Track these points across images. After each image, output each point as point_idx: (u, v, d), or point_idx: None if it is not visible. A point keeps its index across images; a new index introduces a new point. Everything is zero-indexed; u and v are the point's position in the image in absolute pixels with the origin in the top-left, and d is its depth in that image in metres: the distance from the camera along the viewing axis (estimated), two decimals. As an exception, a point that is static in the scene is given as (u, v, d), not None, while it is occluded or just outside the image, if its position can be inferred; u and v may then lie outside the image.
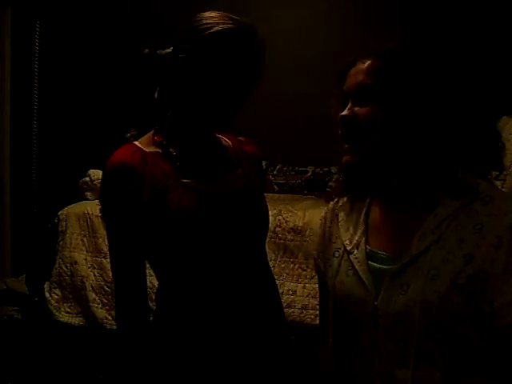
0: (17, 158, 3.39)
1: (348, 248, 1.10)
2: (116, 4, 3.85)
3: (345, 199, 1.19)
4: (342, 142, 1.05)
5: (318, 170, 3.41)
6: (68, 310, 2.47)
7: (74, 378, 2.31)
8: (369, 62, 1.03)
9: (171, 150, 1.10)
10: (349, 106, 1.03)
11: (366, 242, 1.08)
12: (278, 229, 2.33)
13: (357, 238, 1.10)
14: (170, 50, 1.09)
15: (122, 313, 1.07)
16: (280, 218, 2.36)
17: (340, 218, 1.17)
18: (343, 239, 1.13)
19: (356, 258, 1.08)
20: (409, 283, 0.98)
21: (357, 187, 1.13)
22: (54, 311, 2.46)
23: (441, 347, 0.96)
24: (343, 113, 1.02)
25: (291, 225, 2.33)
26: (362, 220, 1.12)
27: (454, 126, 1.00)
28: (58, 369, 2.36)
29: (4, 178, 3.33)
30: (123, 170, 1.03)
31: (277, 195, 3.18)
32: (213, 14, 1.05)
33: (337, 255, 1.13)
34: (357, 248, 1.09)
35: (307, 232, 2.31)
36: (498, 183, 2.15)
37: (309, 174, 3.44)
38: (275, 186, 3.45)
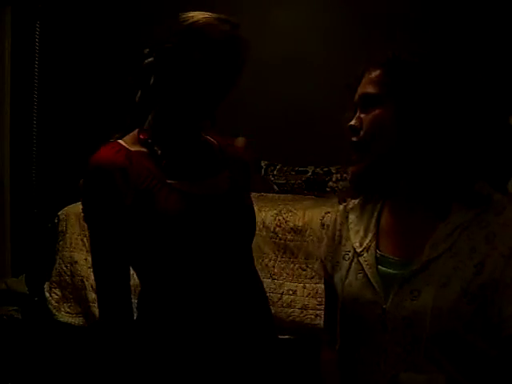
0: (17, 158, 3.39)
1: (358, 250, 1.10)
2: (116, 4, 3.85)
3: (356, 202, 1.18)
4: (351, 152, 1.06)
5: (318, 170, 3.41)
6: (68, 310, 2.47)
7: (74, 377, 2.31)
8: (374, 72, 1.03)
9: (156, 148, 1.07)
10: (356, 115, 1.04)
11: (377, 246, 1.09)
12: (277, 229, 2.33)
13: (367, 241, 1.10)
14: (148, 50, 1.07)
15: (106, 317, 1.05)
16: (280, 218, 2.36)
17: (350, 221, 1.17)
18: (353, 242, 1.13)
19: (366, 261, 1.08)
20: (420, 290, 0.99)
21: (367, 191, 1.14)
22: (54, 311, 2.46)
23: (448, 353, 0.97)
24: (351, 122, 1.03)
25: (291, 225, 2.33)
26: (373, 223, 1.12)
27: (463, 133, 1.00)
28: (58, 369, 2.36)
29: (4, 178, 3.33)
30: (107, 168, 1.00)
31: (277, 195, 3.18)
32: (197, 12, 1.05)
33: (346, 258, 1.13)
34: (367, 251, 1.09)
35: (307, 232, 2.31)
36: None
37: (309, 173, 3.44)
38: (275, 186, 3.45)
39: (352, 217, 1.17)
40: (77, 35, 3.76)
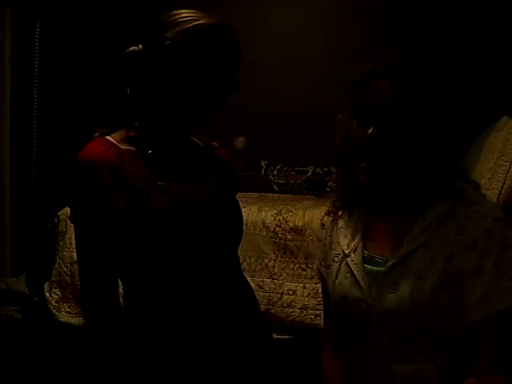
0: (17, 158, 3.39)
1: (346, 252, 1.16)
2: (116, 4, 3.85)
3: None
4: (357, 157, 1.08)
5: (318, 170, 3.41)
6: (68, 309, 2.47)
7: (74, 377, 2.31)
8: (394, 82, 1.04)
9: (146, 148, 1.04)
10: (374, 124, 1.04)
11: (364, 247, 1.14)
12: (277, 229, 2.33)
13: (354, 242, 1.16)
14: (138, 48, 1.05)
15: (94, 320, 1.03)
16: (280, 218, 2.36)
17: (339, 226, 1.23)
18: (342, 245, 1.19)
19: (353, 261, 1.13)
20: (398, 282, 1.04)
21: (356, 198, 1.20)
22: (54, 311, 2.46)
23: (432, 342, 1.01)
24: (371, 131, 1.04)
25: (291, 225, 2.33)
26: (360, 226, 1.17)
27: (453, 136, 1.07)
28: (58, 369, 2.36)
29: (4, 178, 3.33)
30: (97, 166, 0.96)
31: (277, 195, 3.18)
32: (189, 10, 1.03)
33: (336, 260, 1.19)
34: (354, 252, 1.15)
35: (307, 232, 2.31)
36: None
37: (309, 173, 3.44)
38: (275, 186, 3.45)
39: (341, 222, 1.23)
40: (77, 35, 3.76)
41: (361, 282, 1.10)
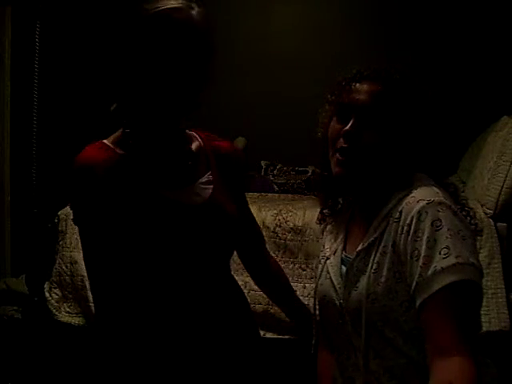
0: (17, 158, 3.39)
1: (327, 255, 1.21)
2: (116, 4, 3.85)
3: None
4: (333, 151, 1.14)
5: (319, 171, 3.41)
6: (68, 309, 2.47)
7: (74, 377, 2.31)
8: (376, 86, 1.10)
9: (140, 152, 1.04)
10: (352, 122, 1.10)
11: (344, 249, 1.18)
12: (277, 229, 2.33)
13: (335, 245, 1.21)
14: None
15: (102, 318, 1.02)
16: (280, 217, 2.36)
17: (327, 229, 1.29)
18: (326, 247, 1.24)
19: (331, 263, 1.18)
20: (358, 279, 1.07)
21: (334, 194, 1.26)
22: (54, 311, 2.45)
23: (402, 336, 1.01)
24: (347, 128, 1.09)
25: (291, 225, 2.33)
26: (342, 228, 1.22)
27: (420, 142, 1.11)
28: (58, 369, 2.36)
29: (4, 177, 3.33)
30: (94, 169, 0.97)
31: (277, 195, 3.18)
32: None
33: (322, 262, 1.23)
34: (334, 254, 1.19)
35: (307, 232, 2.31)
36: None
37: (309, 173, 3.44)
38: (275, 186, 3.45)
39: (329, 226, 1.29)
40: (77, 35, 3.76)
41: (335, 282, 1.14)
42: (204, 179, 1.11)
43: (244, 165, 1.26)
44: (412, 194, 1.03)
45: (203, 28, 0.97)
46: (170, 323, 1.03)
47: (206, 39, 0.98)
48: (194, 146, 1.15)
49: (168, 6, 0.95)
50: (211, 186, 1.11)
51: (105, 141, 1.06)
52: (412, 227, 0.97)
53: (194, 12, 0.96)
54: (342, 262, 1.16)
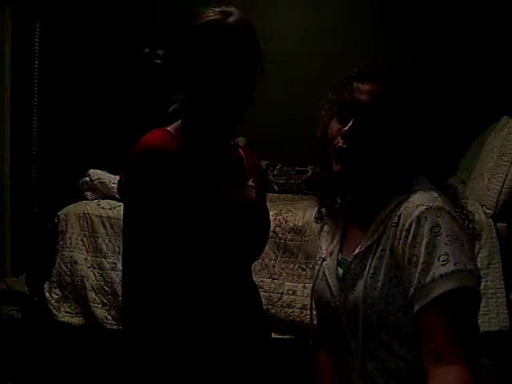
0: (17, 158, 3.39)
1: (323, 256, 1.20)
2: (116, 4, 3.85)
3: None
4: (333, 151, 1.13)
5: (318, 170, 3.41)
6: (68, 309, 2.47)
7: (74, 377, 2.31)
8: (378, 87, 1.09)
9: (201, 143, 1.08)
10: (352, 122, 1.09)
11: (340, 250, 1.17)
12: (277, 229, 2.33)
13: (332, 246, 1.20)
14: (162, 52, 1.10)
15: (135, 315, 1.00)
16: (280, 217, 2.36)
17: (324, 230, 1.29)
18: (322, 249, 1.23)
19: (327, 265, 1.17)
20: (355, 283, 1.07)
21: (333, 193, 1.26)
22: (54, 311, 2.46)
23: (398, 339, 1.01)
24: (346, 129, 1.09)
25: (291, 225, 2.33)
26: (339, 230, 1.21)
27: (419, 144, 1.11)
28: (58, 369, 2.36)
29: (4, 177, 3.33)
30: (172, 153, 0.98)
31: (277, 195, 3.18)
32: (207, 8, 1.06)
33: (319, 263, 1.22)
34: (330, 256, 1.18)
35: (307, 232, 2.31)
36: None
37: (309, 173, 3.43)
38: (275, 186, 3.45)
39: (326, 227, 1.28)
40: (77, 35, 3.76)
41: (331, 284, 1.13)
42: (250, 182, 1.19)
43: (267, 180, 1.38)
44: (411, 199, 1.02)
45: (241, 32, 1.06)
46: (211, 315, 1.06)
47: (246, 40, 1.06)
48: (239, 151, 1.22)
49: (209, 17, 1.05)
50: (254, 191, 1.18)
51: (169, 128, 1.08)
52: (411, 232, 0.97)
53: (231, 19, 1.05)
54: (339, 263, 1.15)
